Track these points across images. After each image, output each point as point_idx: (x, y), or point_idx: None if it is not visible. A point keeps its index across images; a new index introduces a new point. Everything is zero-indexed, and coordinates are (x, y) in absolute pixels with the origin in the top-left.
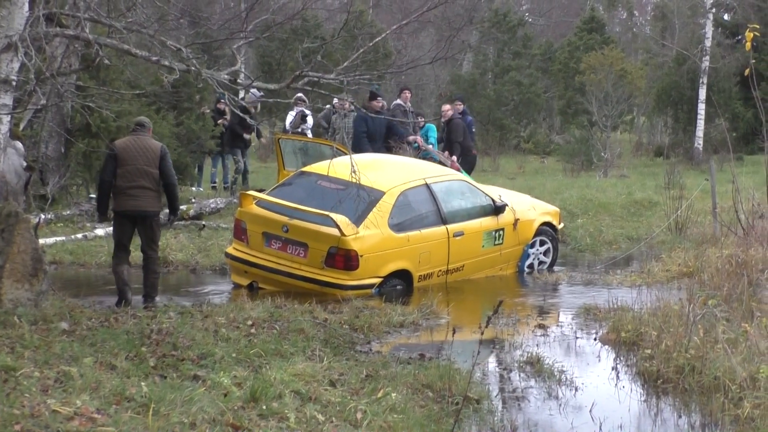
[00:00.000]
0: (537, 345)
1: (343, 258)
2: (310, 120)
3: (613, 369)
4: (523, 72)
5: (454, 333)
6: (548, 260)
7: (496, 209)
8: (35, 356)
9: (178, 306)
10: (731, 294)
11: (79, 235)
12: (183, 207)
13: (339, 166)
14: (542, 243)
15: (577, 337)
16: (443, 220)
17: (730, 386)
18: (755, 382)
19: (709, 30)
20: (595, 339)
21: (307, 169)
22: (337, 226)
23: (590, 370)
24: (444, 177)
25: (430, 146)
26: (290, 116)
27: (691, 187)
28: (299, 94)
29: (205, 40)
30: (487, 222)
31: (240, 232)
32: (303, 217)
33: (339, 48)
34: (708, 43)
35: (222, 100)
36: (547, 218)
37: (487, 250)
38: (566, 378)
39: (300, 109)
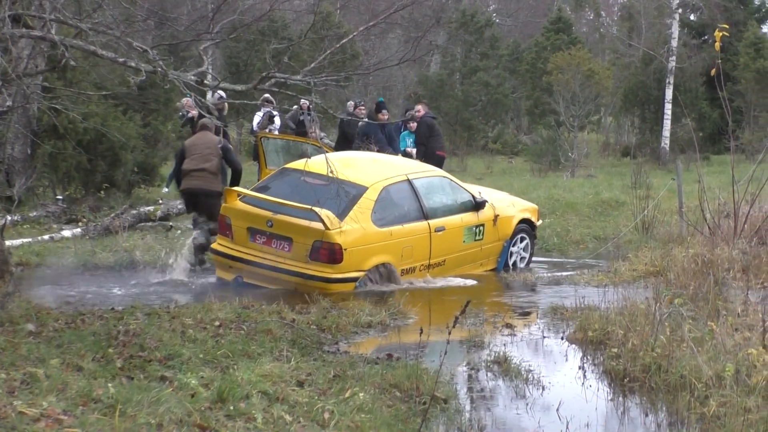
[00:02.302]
0: (504, 345)
1: (328, 251)
2: (277, 121)
3: (580, 368)
4: (491, 72)
5: (421, 333)
6: (527, 256)
7: (476, 205)
8: (1, 358)
9: (146, 307)
10: (697, 293)
11: (46, 237)
12: (150, 208)
13: (322, 163)
14: (522, 240)
15: (544, 337)
16: (425, 215)
17: (696, 384)
18: (721, 381)
19: (676, 30)
20: (562, 338)
21: (289, 165)
22: (322, 220)
23: (557, 370)
24: (425, 173)
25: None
26: (257, 117)
27: (658, 187)
28: (266, 95)
29: (172, 41)
30: (468, 218)
31: (225, 228)
32: (287, 212)
33: (306, 49)
34: (674, 43)
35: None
36: (526, 215)
37: (468, 245)
38: (533, 377)
39: (267, 110)
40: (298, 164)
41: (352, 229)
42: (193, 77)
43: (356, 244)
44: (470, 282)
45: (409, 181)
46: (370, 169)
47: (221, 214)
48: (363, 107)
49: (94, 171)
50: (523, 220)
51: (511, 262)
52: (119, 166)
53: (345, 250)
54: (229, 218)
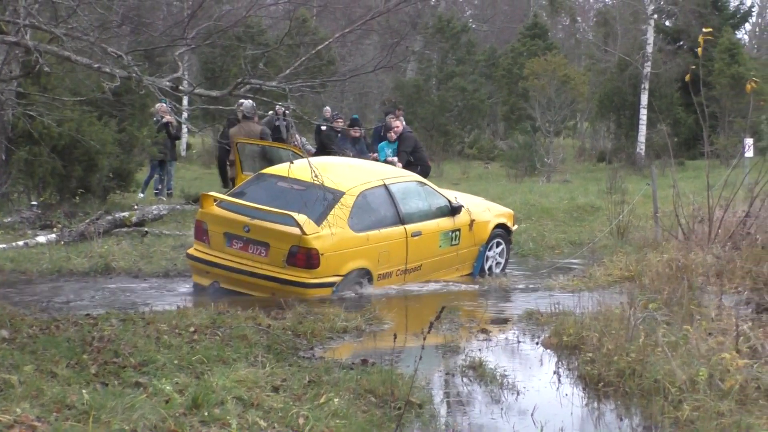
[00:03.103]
0: (480, 350)
1: (305, 256)
2: None
3: (554, 373)
4: (467, 78)
5: (395, 338)
6: (502, 261)
7: (453, 210)
8: None
9: (120, 313)
10: (671, 298)
11: (21, 243)
12: (125, 214)
13: (298, 169)
14: (498, 245)
15: (519, 342)
16: (401, 220)
17: (670, 389)
18: (695, 385)
19: (651, 36)
20: (537, 343)
21: (266, 171)
22: (299, 225)
23: (532, 375)
24: (401, 178)
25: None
26: None
27: (633, 192)
28: (242, 101)
29: (147, 46)
30: (444, 222)
31: (201, 233)
32: (264, 217)
33: (282, 55)
34: (650, 48)
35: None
36: (502, 220)
37: (444, 250)
38: (508, 382)
39: None
40: (275, 169)
41: (329, 234)
42: (168, 83)
43: (333, 249)
44: (446, 287)
45: (385, 186)
46: (346, 174)
47: (197, 220)
48: (341, 119)
49: (69, 177)
50: (499, 225)
51: (486, 267)
52: (94, 171)
53: (322, 255)
54: (206, 223)
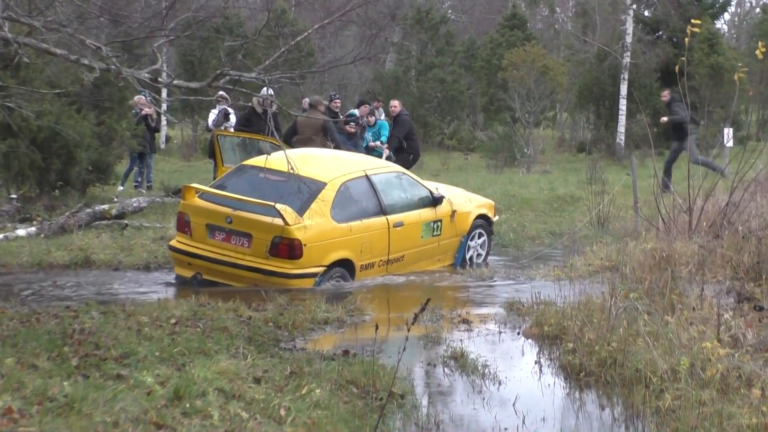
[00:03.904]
0: (461, 340)
1: (287, 247)
2: (233, 118)
3: (536, 363)
4: (446, 69)
5: (377, 329)
6: (484, 252)
7: (434, 201)
8: None
9: (101, 305)
10: (653, 287)
11: (0, 236)
12: (105, 206)
13: (280, 160)
14: (480, 235)
15: (500, 332)
16: (383, 211)
17: (651, 378)
18: (676, 374)
19: (630, 26)
20: (518, 333)
21: (247, 162)
22: (281, 216)
23: (514, 365)
24: (383, 169)
25: (379, 143)
26: (213, 114)
27: (613, 182)
28: (221, 92)
29: (126, 38)
30: (426, 213)
31: (183, 225)
32: (247, 208)
33: (261, 47)
34: (629, 39)
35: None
36: (483, 210)
37: (426, 240)
38: (490, 372)
39: (223, 107)
40: (256, 161)
41: (312, 225)
42: (147, 74)
43: (316, 240)
44: (427, 278)
45: (367, 177)
46: (328, 165)
47: (179, 211)
48: (339, 100)
49: (48, 169)
50: (480, 216)
51: (468, 257)
52: (74, 164)
53: (305, 245)
54: (188, 215)
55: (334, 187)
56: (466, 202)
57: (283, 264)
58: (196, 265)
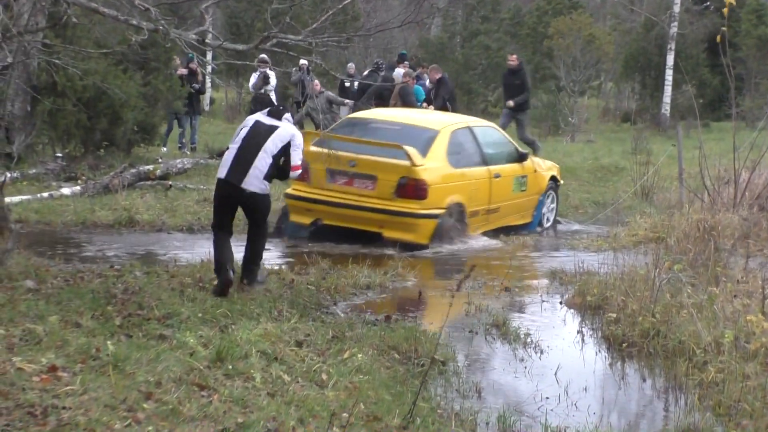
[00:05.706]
0: (503, 308)
1: (414, 187)
2: (273, 81)
3: (578, 332)
4: (492, 36)
5: (420, 295)
6: (552, 216)
7: (520, 156)
8: (0, 314)
9: (145, 266)
10: (697, 259)
11: (45, 194)
12: (150, 167)
13: (387, 113)
14: (551, 198)
15: (543, 301)
16: (485, 161)
17: (695, 350)
18: (720, 347)
19: None
20: (561, 302)
21: (354, 116)
22: (409, 157)
23: (555, 334)
24: (481, 122)
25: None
26: (254, 77)
27: (658, 153)
28: (262, 56)
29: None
30: (515, 168)
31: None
32: (371, 152)
33: (308, 9)
34: (676, 9)
35: (192, 62)
36: (553, 172)
37: (515, 194)
38: (532, 341)
39: (263, 70)
40: (362, 115)
41: (434, 167)
42: (194, 36)
43: (438, 182)
44: (496, 243)
45: (470, 128)
46: (431, 117)
47: None
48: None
49: (93, 129)
50: (552, 177)
51: (543, 217)
52: (119, 124)
53: (429, 186)
54: (307, 162)
55: (446, 134)
56: (540, 163)
57: (410, 204)
58: (317, 211)
